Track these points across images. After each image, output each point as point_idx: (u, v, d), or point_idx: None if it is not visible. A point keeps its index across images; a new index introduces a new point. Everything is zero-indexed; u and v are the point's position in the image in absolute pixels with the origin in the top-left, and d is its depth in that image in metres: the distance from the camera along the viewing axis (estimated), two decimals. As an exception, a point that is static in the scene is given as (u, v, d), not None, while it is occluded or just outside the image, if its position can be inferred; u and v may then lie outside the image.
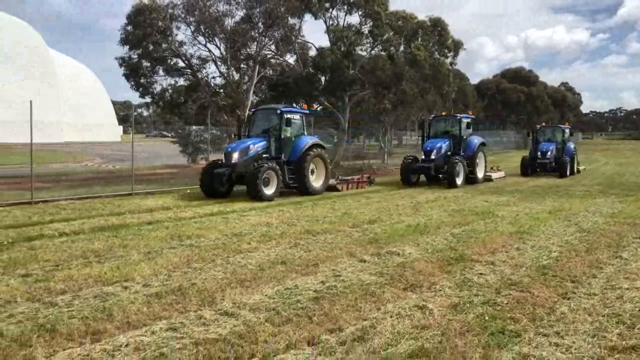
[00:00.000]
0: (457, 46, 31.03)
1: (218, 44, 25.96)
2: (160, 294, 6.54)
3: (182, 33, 26.10)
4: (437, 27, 29.43)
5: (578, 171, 28.27)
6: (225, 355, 4.72)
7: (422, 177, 22.83)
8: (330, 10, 30.31)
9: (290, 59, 29.61)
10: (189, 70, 26.60)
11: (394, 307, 6.12)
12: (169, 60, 25.98)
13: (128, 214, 13.07)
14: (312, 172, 18.40)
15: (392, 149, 46.16)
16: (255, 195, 15.92)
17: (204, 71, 26.85)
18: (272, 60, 28.86)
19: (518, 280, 7.30)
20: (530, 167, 26.79)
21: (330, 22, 30.45)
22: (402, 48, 29.17)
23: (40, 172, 20.60)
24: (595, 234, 10.96)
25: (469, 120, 22.66)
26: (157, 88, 26.26)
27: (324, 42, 30.80)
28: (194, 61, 26.23)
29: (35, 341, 4.97)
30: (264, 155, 17.20)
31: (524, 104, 67.24)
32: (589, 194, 18.53)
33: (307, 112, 20.43)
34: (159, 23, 24.23)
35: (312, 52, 30.86)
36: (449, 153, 21.52)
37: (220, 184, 16.63)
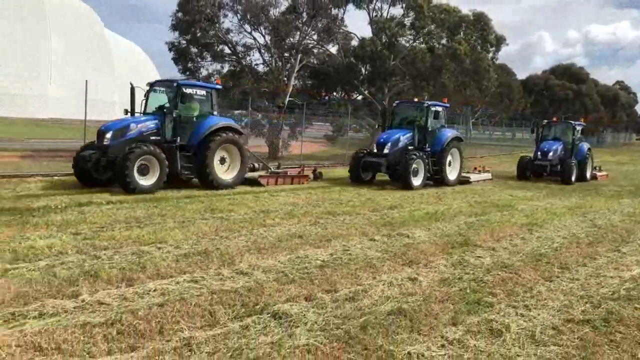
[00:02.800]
0: (499, 41, 31.10)
1: (263, 32, 27.00)
2: (187, 254, 7.54)
3: (229, 21, 27.38)
4: (480, 21, 29.57)
5: (594, 177, 24.19)
6: (234, 302, 5.65)
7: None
8: (374, 1, 30.83)
9: (332, 48, 30.36)
10: (234, 57, 27.77)
11: (388, 277, 6.92)
12: (215, 47, 27.17)
13: (168, 188, 14.22)
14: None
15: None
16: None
17: (248, 58, 27.96)
18: (314, 50, 29.69)
19: (510, 264, 7.97)
20: (530, 170, 22.68)
21: (374, 14, 30.99)
22: (443, 41, 29.48)
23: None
24: (605, 229, 11.41)
25: (439, 108, 19.07)
26: (204, 73, 27.53)
27: (367, 32, 31.33)
28: (239, 48, 27.41)
29: (81, 282, 6.03)
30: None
31: (572, 101, 65.92)
32: (618, 194, 18.68)
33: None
34: (207, 10, 25.38)
35: (354, 42, 31.47)
36: (410, 147, 17.94)
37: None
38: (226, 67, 28.59)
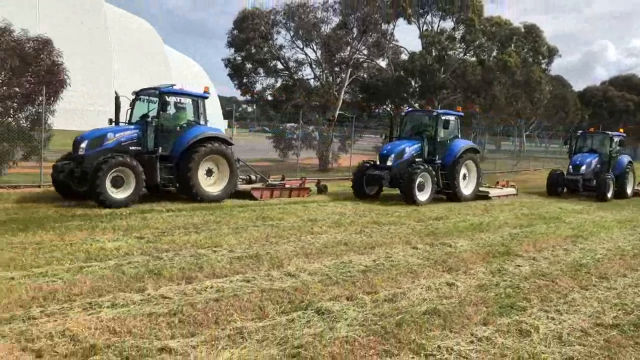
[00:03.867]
0: (552, 52, 30.82)
1: (314, 48, 27.81)
2: (240, 257, 8.18)
3: (282, 37, 28.20)
4: (531, 33, 29.44)
5: (637, 193, 21.99)
6: (282, 299, 6.20)
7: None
8: (425, 15, 31.19)
9: (382, 62, 30.84)
10: (286, 72, 28.69)
11: (426, 282, 7.32)
12: (269, 63, 28.18)
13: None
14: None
15: (486, 154, 46.01)
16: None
17: (299, 73, 28.83)
18: (365, 64, 30.27)
19: (549, 273, 8.20)
20: (561, 185, 20.76)
21: (425, 27, 31.33)
22: (494, 53, 29.48)
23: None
24: (653, 243, 11.35)
25: (451, 118, 17.39)
26: (257, 87, 28.59)
27: (417, 46, 31.71)
28: (291, 64, 28.31)
29: (146, 279, 6.73)
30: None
31: (633, 113, 63.74)
32: (674, 208, 18.24)
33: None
34: (261, 28, 26.45)
35: (404, 56, 31.86)
36: (418, 159, 16.56)
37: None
38: (279, 82, 29.53)
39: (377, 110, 35.33)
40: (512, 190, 20.00)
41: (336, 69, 29.58)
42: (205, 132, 14.05)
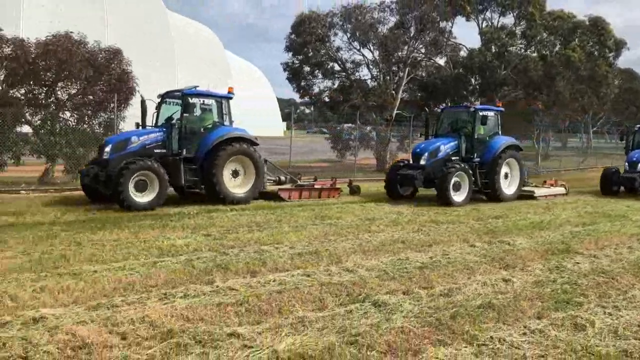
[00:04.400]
0: (619, 45, 29.66)
1: (371, 48, 28.01)
2: (301, 254, 8.57)
3: (339, 39, 28.56)
4: (596, 26, 28.47)
5: None
6: (340, 292, 6.53)
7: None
8: (484, 12, 30.77)
9: (440, 60, 30.66)
10: (343, 73, 29.04)
11: (482, 277, 7.45)
12: (326, 65, 28.61)
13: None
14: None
15: (551, 151, 44.73)
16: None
17: (356, 74, 29.10)
18: (423, 62, 30.19)
19: (609, 270, 8.13)
20: (617, 184, 19.26)
21: (484, 24, 30.91)
22: (556, 48, 28.73)
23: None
24: None
25: (490, 113, 16.70)
26: (315, 90, 29.07)
27: (476, 42, 31.30)
28: (348, 65, 28.62)
29: (214, 273, 7.22)
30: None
31: None
32: None
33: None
34: (318, 31, 26.89)
35: (463, 54, 31.54)
36: (454, 158, 15.89)
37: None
38: (336, 84, 29.90)
39: (436, 109, 35.08)
40: (560, 190, 18.83)
41: (394, 68, 29.66)
42: (229, 132, 14.03)
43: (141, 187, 12.52)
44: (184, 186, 13.67)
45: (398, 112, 28.53)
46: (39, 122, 17.30)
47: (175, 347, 4.71)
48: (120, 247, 8.62)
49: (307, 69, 29.26)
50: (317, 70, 29.51)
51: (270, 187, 15.58)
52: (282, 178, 16.42)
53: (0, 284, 6.45)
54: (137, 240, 9.22)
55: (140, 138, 13.27)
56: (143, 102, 14.19)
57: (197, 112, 14.10)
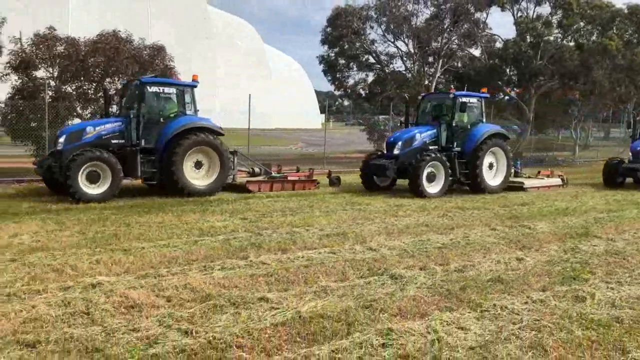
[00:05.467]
0: (660, 33, 29.01)
1: (405, 40, 28.35)
2: (329, 235, 9.24)
3: (373, 32, 28.96)
4: (635, 14, 27.95)
5: None
6: (361, 267, 7.17)
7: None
8: (519, 2, 30.59)
9: (475, 51, 30.69)
10: (378, 66, 29.46)
11: (497, 256, 7.96)
12: (361, 57, 29.09)
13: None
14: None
15: (593, 141, 44.04)
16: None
17: (391, 66, 29.49)
18: (457, 53, 30.31)
19: (623, 251, 8.50)
20: (621, 174, 18.24)
21: (519, 14, 30.74)
22: (593, 37, 28.39)
23: (254, 152, 25.11)
24: None
25: (472, 100, 15.83)
26: (350, 82, 29.61)
27: (512, 32, 31.21)
28: (382, 57, 29.02)
29: (249, 250, 7.97)
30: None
31: None
32: None
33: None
34: (353, 24, 27.38)
35: (499, 44, 31.45)
36: (431, 147, 15.17)
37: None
38: (370, 76, 30.37)
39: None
40: (556, 181, 17.81)
41: (429, 59, 29.91)
42: (191, 122, 13.45)
43: (94, 179, 12.19)
44: (141, 178, 13.33)
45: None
46: (89, 115, 18.43)
47: (212, 308, 5.45)
48: (165, 228, 9.47)
49: (342, 61, 29.78)
50: (352, 63, 29.99)
51: (241, 179, 15.23)
52: (257, 170, 15.96)
53: (62, 257, 7.34)
54: (180, 222, 10.07)
55: (96, 128, 12.84)
56: (105, 91, 14.10)
57: (157, 101, 13.58)
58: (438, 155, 14.69)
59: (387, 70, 29.88)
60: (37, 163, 13.17)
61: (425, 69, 30.01)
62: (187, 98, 13.92)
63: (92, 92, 18.76)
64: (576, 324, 5.26)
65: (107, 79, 18.72)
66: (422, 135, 15.23)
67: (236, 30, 65.93)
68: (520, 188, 16.46)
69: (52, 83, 17.74)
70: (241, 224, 10.01)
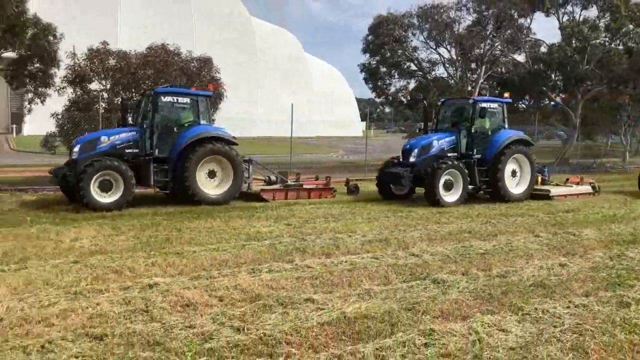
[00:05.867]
0: None
1: (447, 47, 28.32)
2: (371, 241, 9.45)
3: (415, 39, 29.05)
4: (687, 16, 27.16)
5: None
6: (404, 272, 7.35)
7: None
8: (565, 6, 30.15)
9: (519, 56, 30.38)
10: (419, 73, 29.51)
11: (540, 262, 8.00)
12: (403, 65, 29.22)
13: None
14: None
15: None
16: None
17: (433, 73, 29.50)
18: (501, 59, 30.06)
19: (671, 259, 8.38)
20: None
21: (565, 18, 30.29)
22: (644, 40, 27.71)
23: (295, 160, 25.52)
24: None
25: (493, 105, 15.40)
26: (391, 89, 29.75)
27: (557, 37, 30.72)
28: (425, 64, 29.05)
29: (294, 254, 8.26)
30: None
31: None
32: None
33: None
34: (395, 32, 27.56)
35: (544, 49, 31.03)
36: (450, 154, 14.66)
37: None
38: (412, 83, 30.45)
39: (515, 105, 34.65)
40: (585, 189, 17.01)
41: (472, 65, 29.79)
42: (205, 131, 13.47)
43: (106, 187, 12.36)
44: (153, 187, 13.47)
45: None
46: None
47: (262, 307, 5.74)
48: (214, 233, 9.88)
49: (383, 69, 29.96)
50: (394, 71, 30.15)
51: (256, 188, 15.17)
52: (273, 178, 15.76)
53: (120, 259, 7.80)
54: (228, 227, 10.46)
55: (111, 138, 13.02)
56: (123, 101, 14.32)
57: (171, 110, 13.71)
58: (455, 162, 14.18)
59: (429, 77, 29.89)
60: (52, 172, 13.35)
61: (468, 75, 29.87)
62: (202, 107, 13.94)
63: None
64: (619, 328, 5.32)
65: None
66: (439, 142, 14.76)
67: (278, 40, 66.93)
68: (546, 196, 15.77)
69: (105, 95, 18.59)
70: (286, 230, 10.33)
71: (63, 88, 18.69)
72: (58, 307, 5.67)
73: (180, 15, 52.90)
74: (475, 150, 14.84)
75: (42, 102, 19.27)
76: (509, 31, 27.75)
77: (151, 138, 13.14)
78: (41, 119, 22.50)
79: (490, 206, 14.14)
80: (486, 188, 15.12)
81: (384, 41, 27.85)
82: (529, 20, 29.17)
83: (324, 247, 8.85)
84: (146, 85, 19.12)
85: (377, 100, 34.24)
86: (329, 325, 5.27)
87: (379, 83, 29.61)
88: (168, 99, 13.48)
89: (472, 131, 14.84)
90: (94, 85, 18.92)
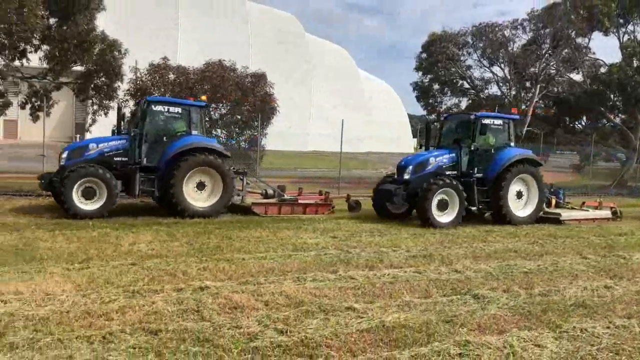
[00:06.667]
0: None
1: (502, 65, 28.16)
2: (415, 256, 9.61)
3: (469, 58, 29.05)
4: None
5: None
6: (445, 286, 7.49)
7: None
8: (626, 25, 29.45)
9: (576, 76, 29.82)
10: (472, 91, 29.41)
11: (584, 283, 7.97)
12: (455, 83, 29.23)
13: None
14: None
15: None
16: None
17: (486, 91, 29.34)
18: (557, 78, 29.60)
19: None
20: None
21: (625, 37, 29.57)
22: None
23: (344, 175, 25.83)
24: None
25: (494, 122, 14.56)
26: (443, 107, 29.74)
27: (617, 57, 29.94)
28: (477, 82, 28.97)
29: (338, 265, 8.54)
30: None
31: None
32: None
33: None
34: (448, 50, 27.65)
35: (603, 69, 30.35)
36: (449, 172, 13.96)
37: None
38: (464, 101, 30.38)
39: (571, 125, 33.93)
40: (603, 213, 16.00)
41: (527, 84, 29.47)
42: (194, 142, 13.26)
43: (89, 195, 12.35)
44: (137, 196, 13.37)
45: (529, 128, 28.22)
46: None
47: (304, 313, 6.03)
48: (262, 242, 10.28)
49: (436, 86, 30.05)
50: (447, 88, 30.19)
51: (250, 201, 14.69)
52: (270, 192, 15.28)
53: (174, 263, 8.27)
54: (275, 238, 10.85)
55: (99, 145, 13.08)
56: (119, 110, 14.33)
57: (161, 120, 13.58)
58: (451, 181, 13.38)
59: (482, 96, 29.74)
60: (40, 177, 13.51)
61: (522, 94, 29.54)
62: (194, 118, 13.76)
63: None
64: (659, 351, 5.31)
65: (212, 105, 20.28)
66: (437, 160, 14.04)
67: (331, 56, 67.73)
68: (556, 220, 14.84)
69: (165, 108, 19.49)
70: (331, 242, 10.62)
71: (126, 100, 19.72)
72: (117, 303, 6.13)
73: (236, 32, 54.48)
74: (476, 169, 14.09)
75: (105, 114, 20.38)
76: (565, 50, 27.36)
77: (140, 147, 13.05)
78: (103, 130, 23.73)
79: (538, 227, 13.99)
80: (487, 209, 14.37)
81: (437, 59, 27.99)
82: (587, 40, 28.63)
83: (368, 260, 9.08)
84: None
85: (429, 117, 34.27)
86: (368, 332, 5.51)
87: (431, 100, 29.69)
88: (159, 107, 13.40)
89: (473, 148, 14.06)
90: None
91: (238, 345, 4.96)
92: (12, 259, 8.21)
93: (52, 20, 17.74)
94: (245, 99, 20.24)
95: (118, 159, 13.09)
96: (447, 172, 13.91)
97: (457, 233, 12.48)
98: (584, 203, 16.79)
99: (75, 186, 12.16)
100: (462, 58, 29.03)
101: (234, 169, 14.37)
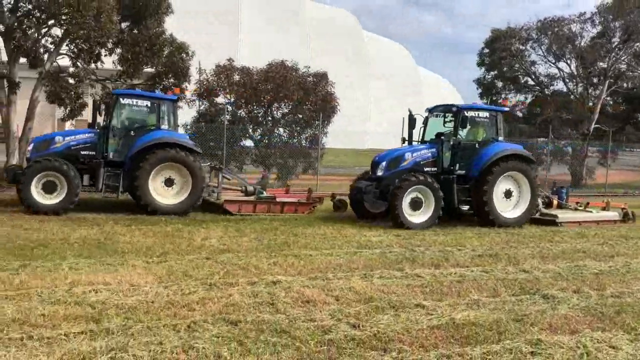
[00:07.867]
0: None
1: (568, 61, 27.31)
2: (481, 255, 9.60)
3: (534, 53, 28.29)
4: None
5: None
6: (514, 286, 7.48)
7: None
8: None
9: (649, 71, 28.54)
10: (537, 87, 28.65)
11: (659, 286, 7.76)
12: (520, 79, 28.56)
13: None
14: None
15: None
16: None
17: (551, 87, 28.52)
18: (627, 73, 28.42)
19: None
20: None
21: None
22: None
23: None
24: None
25: (479, 114, 13.54)
26: (509, 104, 29.12)
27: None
28: (542, 79, 28.19)
29: (404, 263, 8.66)
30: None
31: None
32: None
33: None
34: (512, 46, 27.05)
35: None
36: (428, 169, 12.82)
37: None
38: (529, 97, 29.65)
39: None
40: (610, 215, 14.74)
41: (594, 80, 28.45)
42: (162, 137, 12.79)
43: (50, 189, 11.99)
44: (101, 191, 12.74)
45: (597, 125, 27.24)
46: (259, 136, 20.53)
47: (375, 308, 6.21)
48: (327, 240, 10.52)
49: (499, 84, 29.48)
50: (511, 85, 29.57)
51: (224, 197, 14.05)
52: (250, 189, 14.57)
53: (245, 258, 8.63)
54: (340, 235, 11.07)
55: (66, 139, 12.79)
56: (95, 104, 13.97)
57: (130, 113, 13.32)
58: (425, 178, 12.35)
59: (547, 92, 28.95)
60: (5, 170, 13.34)
61: (590, 90, 28.53)
62: (165, 112, 13.36)
63: (261, 115, 20.90)
64: None
65: (275, 104, 20.74)
66: (413, 155, 12.92)
67: (390, 53, 67.38)
68: (551, 222, 13.67)
69: (229, 108, 20.10)
70: (395, 240, 10.74)
71: (192, 101, 20.44)
72: (197, 295, 6.50)
73: (296, 31, 55.10)
74: (457, 165, 12.93)
75: (174, 113, 21.14)
76: (637, 44, 26.21)
77: (106, 141, 12.71)
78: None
79: (608, 227, 13.59)
80: (469, 209, 13.20)
81: (501, 55, 27.44)
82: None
83: (433, 258, 9.16)
84: (265, 99, 20.44)
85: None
86: (438, 329, 5.62)
87: (494, 98, 29.13)
88: (127, 100, 13.09)
89: (455, 143, 12.94)
90: (220, 99, 20.53)
91: (314, 337, 5.19)
92: (96, 252, 8.78)
93: (123, 25, 18.61)
94: (307, 99, 20.53)
95: (85, 152, 12.77)
96: (427, 169, 12.85)
97: (523, 233, 12.32)
98: (588, 203, 15.51)
99: (35, 180, 11.86)
100: (526, 53, 28.30)
101: (210, 164, 14.15)
